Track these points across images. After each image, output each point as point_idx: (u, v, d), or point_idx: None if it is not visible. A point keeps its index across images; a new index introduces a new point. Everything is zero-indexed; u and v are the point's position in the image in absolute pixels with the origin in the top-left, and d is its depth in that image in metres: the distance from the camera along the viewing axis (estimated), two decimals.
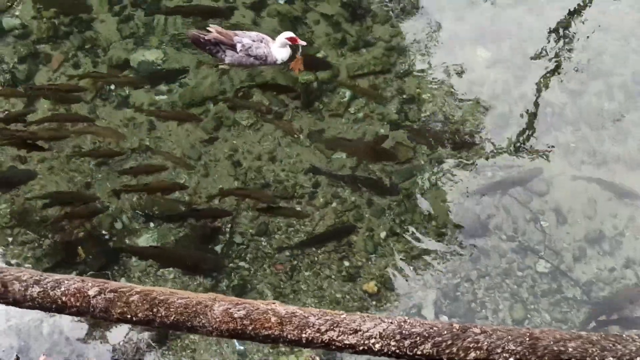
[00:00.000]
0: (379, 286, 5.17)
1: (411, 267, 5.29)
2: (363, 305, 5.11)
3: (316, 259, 5.30)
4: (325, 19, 6.56)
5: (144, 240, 5.27)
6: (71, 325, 4.84)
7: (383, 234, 5.42)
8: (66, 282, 2.92)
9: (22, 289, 2.93)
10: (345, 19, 6.56)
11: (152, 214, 5.38)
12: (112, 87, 6.02)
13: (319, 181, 5.63)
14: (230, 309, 2.83)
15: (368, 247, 5.34)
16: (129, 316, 2.89)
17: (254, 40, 5.96)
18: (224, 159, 5.69)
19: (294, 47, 6.05)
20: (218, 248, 5.28)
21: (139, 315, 2.85)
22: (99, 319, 2.99)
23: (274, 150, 5.76)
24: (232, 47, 5.93)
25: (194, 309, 2.84)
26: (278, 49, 6.02)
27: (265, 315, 2.83)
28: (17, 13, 6.40)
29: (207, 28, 5.98)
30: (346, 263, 5.28)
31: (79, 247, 5.12)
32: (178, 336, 4.81)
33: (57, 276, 3.00)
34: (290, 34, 5.96)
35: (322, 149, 5.77)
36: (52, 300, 2.89)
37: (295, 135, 5.75)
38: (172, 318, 2.86)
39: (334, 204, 5.54)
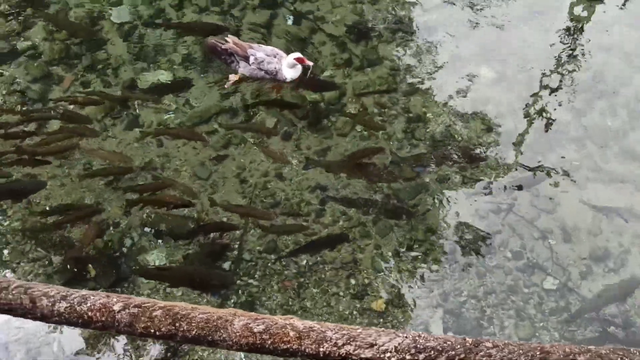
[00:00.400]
0: (387, 304, 5.19)
1: (418, 285, 5.31)
2: (371, 322, 5.12)
3: (324, 276, 5.33)
4: (331, 40, 6.67)
5: (153, 257, 5.31)
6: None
7: (390, 252, 5.45)
8: (92, 297, 3.00)
9: (50, 304, 3.00)
10: (350, 39, 6.67)
11: (161, 231, 5.43)
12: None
13: (326, 199, 5.68)
14: (249, 323, 2.90)
15: (375, 265, 5.37)
16: (152, 330, 2.96)
17: (267, 55, 6.10)
18: (232, 177, 5.76)
19: (304, 66, 6.17)
20: (227, 265, 5.32)
21: (162, 329, 2.92)
22: (124, 333, 3.07)
23: (281, 167, 5.83)
24: (246, 58, 6.08)
25: (215, 323, 2.91)
26: (287, 69, 6.13)
27: (283, 329, 2.89)
28: (29, 35, 6.53)
29: (225, 38, 6.13)
30: (353, 281, 5.31)
31: (89, 265, 5.18)
32: (187, 352, 4.83)
33: (83, 292, 3.08)
34: (298, 54, 6.08)
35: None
36: (78, 315, 2.96)
37: (285, 162, 5.82)
38: (193, 332, 2.93)
39: (340, 222, 5.59)
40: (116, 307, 2.98)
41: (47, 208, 5.48)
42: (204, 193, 5.64)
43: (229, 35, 6.21)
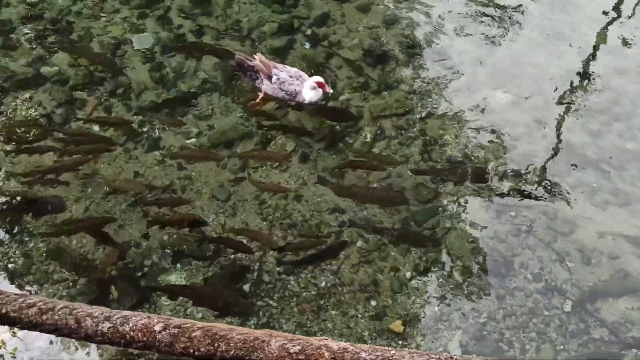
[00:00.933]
0: (405, 325, 5.19)
1: (437, 306, 5.31)
2: (390, 345, 5.12)
3: (343, 298, 5.35)
4: (347, 64, 6.77)
5: (174, 278, 5.37)
6: None
7: (408, 274, 5.47)
8: (133, 318, 3.07)
9: (94, 324, 3.09)
10: (367, 63, 6.77)
11: (182, 252, 5.50)
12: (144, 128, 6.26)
13: (345, 220, 5.72)
14: (286, 344, 2.95)
15: (394, 287, 5.39)
16: (191, 350, 3.04)
17: (290, 76, 6.22)
18: (251, 199, 5.82)
19: (324, 92, 6.26)
20: (246, 287, 5.36)
21: (201, 349, 2.99)
22: (164, 353, 3.13)
23: (300, 189, 5.89)
24: (269, 77, 6.23)
25: (252, 344, 2.97)
26: (308, 90, 6.24)
27: (319, 350, 2.94)
28: (54, 61, 6.70)
29: (254, 55, 6.30)
30: (373, 302, 5.33)
31: (112, 286, 5.24)
32: None
33: (125, 312, 3.16)
34: (319, 78, 6.20)
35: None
36: (121, 335, 3.04)
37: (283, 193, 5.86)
38: (232, 353, 3.00)
39: (359, 243, 5.62)
40: (157, 328, 3.05)
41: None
42: (222, 214, 5.71)
43: (257, 53, 6.37)
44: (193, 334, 3.00)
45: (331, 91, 6.24)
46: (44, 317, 3.11)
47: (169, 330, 3.04)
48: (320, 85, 6.17)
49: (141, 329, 3.04)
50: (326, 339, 2.98)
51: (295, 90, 6.23)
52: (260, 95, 6.35)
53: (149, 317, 3.10)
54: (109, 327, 3.08)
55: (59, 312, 3.12)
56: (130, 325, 3.06)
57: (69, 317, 3.10)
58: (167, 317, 3.17)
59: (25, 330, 3.52)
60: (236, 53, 6.47)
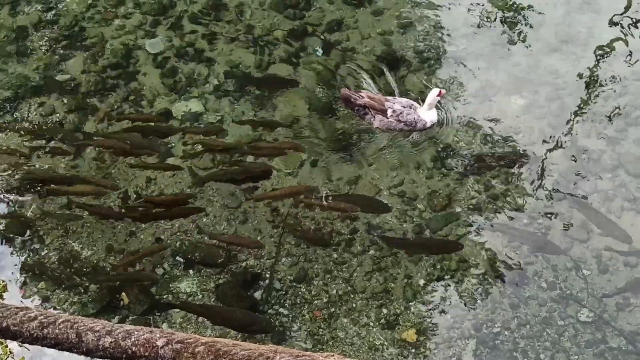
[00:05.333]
0: (418, 334, 5.14)
1: (450, 315, 5.26)
2: (402, 353, 5.07)
3: (354, 305, 5.31)
4: (361, 69, 6.73)
5: (185, 286, 5.36)
6: None
7: (422, 281, 5.41)
8: (136, 332, 3.03)
9: (95, 339, 3.05)
10: (380, 69, 6.72)
11: (193, 260, 5.49)
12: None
13: (357, 227, 5.69)
14: None
15: (407, 294, 5.33)
16: None
17: (404, 107, 6.11)
18: (262, 206, 5.80)
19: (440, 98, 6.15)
20: (258, 294, 5.34)
21: None
22: None
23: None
24: (383, 112, 6.09)
25: None
26: (426, 112, 6.13)
27: None
28: (67, 68, 6.73)
29: (360, 93, 6.17)
30: (385, 310, 5.28)
31: (123, 293, 5.24)
32: None
33: (127, 327, 3.12)
34: (437, 90, 6.06)
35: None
36: (122, 350, 3.00)
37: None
38: None
39: (371, 251, 5.58)
40: (159, 343, 3.00)
41: None
42: (233, 222, 5.70)
43: (362, 90, 6.30)
44: (196, 350, 2.94)
45: (445, 91, 6.14)
46: (45, 331, 3.08)
47: (172, 345, 2.99)
48: (441, 95, 6.04)
49: (143, 343, 3.00)
50: (333, 355, 2.91)
51: (414, 118, 6.10)
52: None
53: (151, 331, 3.06)
54: (111, 342, 3.04)
55: (60, 326, 3.09)
56: (133, 340, 3.02)
57: (70, 331, 3.06)
58: (170, 332, 3.12)
59: None
60: (342, 89, 6.30)
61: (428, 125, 6.16)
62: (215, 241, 5.53)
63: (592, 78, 6.66)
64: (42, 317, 3.14)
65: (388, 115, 6.08)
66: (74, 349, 3.09)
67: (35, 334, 3.12)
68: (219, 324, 5.11)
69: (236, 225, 5.68)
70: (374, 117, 6.15)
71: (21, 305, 3.64)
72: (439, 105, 6.25)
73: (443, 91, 6.12)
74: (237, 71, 6.69)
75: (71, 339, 3.06)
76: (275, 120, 6.29)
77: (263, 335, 5.10)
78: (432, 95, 6.04)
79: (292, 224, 5.65)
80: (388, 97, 6.18)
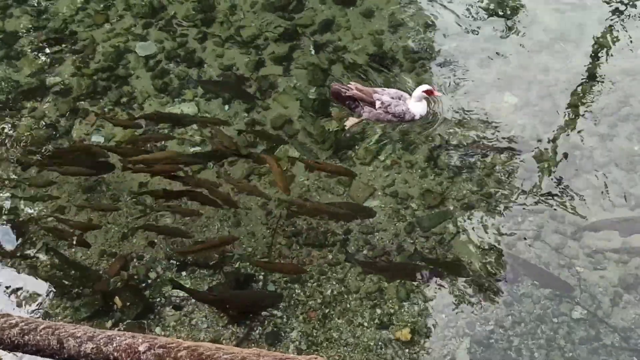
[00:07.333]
0: (412, 333, 5.14)
1: (444, 314, 5.26)
2: (396, 353, 5.07)
3: (348, 306, 5.31)
4: (352, 69, 6.73)
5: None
6: None
7: (414, 280, 5.41)
8: (118, 338, 3.01)
9: (77, 345, 3.03)
10: (372, 68, 6.72)
11: (187, 262, 5.48)
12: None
13: (350, 228, 5.68)
14: None
15: (400, 294, 5.33)
16: None
17: (392, 98, 6.14)
18: (256, 207, 5.80)
19: (428, 98, 6.19)
20: None
21: None
22: None
23: (305, 196, 5.85)
24: (371, 104, 6.13)
25: None
26: (415, 104, 6.15)
27: None
28: (58, 71, 6.71)
29: (349, 85, 6.21)
30: (378, 310, 5.28)
31: (116, 297, 5.23)
32: None
33: (110, 332, 3.10)
34: (426, 86, 6.11)
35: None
36: (104, 356, 2.98)
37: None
38: None
39: (364, 251, 5.58)
40: (141, 348, 2.98)
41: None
42: (225, 222, 5.70)
43: (351, 82, 6.31)
44: (179, 354, 2.92)
45: (441, 94, 6.19)
46: (26, 337, 3.05)
47: (154, 350, 2.97)
48: (429, 93, 6.08)
49: (125, 349, 2.98)
50: (315, 357, 2.90)
51: (402, 110, 6.13)
52: (353, 121, 6.25)
53: (133, 336, 3.04)
54: (92, 348, 3.02)
55: (41, 333, 3.06)
56: (114, 345, 3.00)
57: (52, 337, 3.04)
58: (153, 337, 3.10)
59: None
60: (332, 83, 6.35)
61: (417, 117, 6.20)
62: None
63: (584, 75, 6.67)
64: (23, 323, 3.11)
65: (376, 107, 6.12)
66: (56, 356, 3.07)
67: (16, 341, 3.09)
68: (233, 308, 5.17)
69: (228, 227, 5.67)
70: (363, 108, 6.18)
71: (2, 312, 3.60)
72: (433, 101, 6.27)
73: (438, 93, 6.14)
74: (229, 72, 6.69)
75: (52, 345, 3.03)
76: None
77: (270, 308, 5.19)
78: (419, 90, 6.08)
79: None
80: (377, 89, 6.22)
